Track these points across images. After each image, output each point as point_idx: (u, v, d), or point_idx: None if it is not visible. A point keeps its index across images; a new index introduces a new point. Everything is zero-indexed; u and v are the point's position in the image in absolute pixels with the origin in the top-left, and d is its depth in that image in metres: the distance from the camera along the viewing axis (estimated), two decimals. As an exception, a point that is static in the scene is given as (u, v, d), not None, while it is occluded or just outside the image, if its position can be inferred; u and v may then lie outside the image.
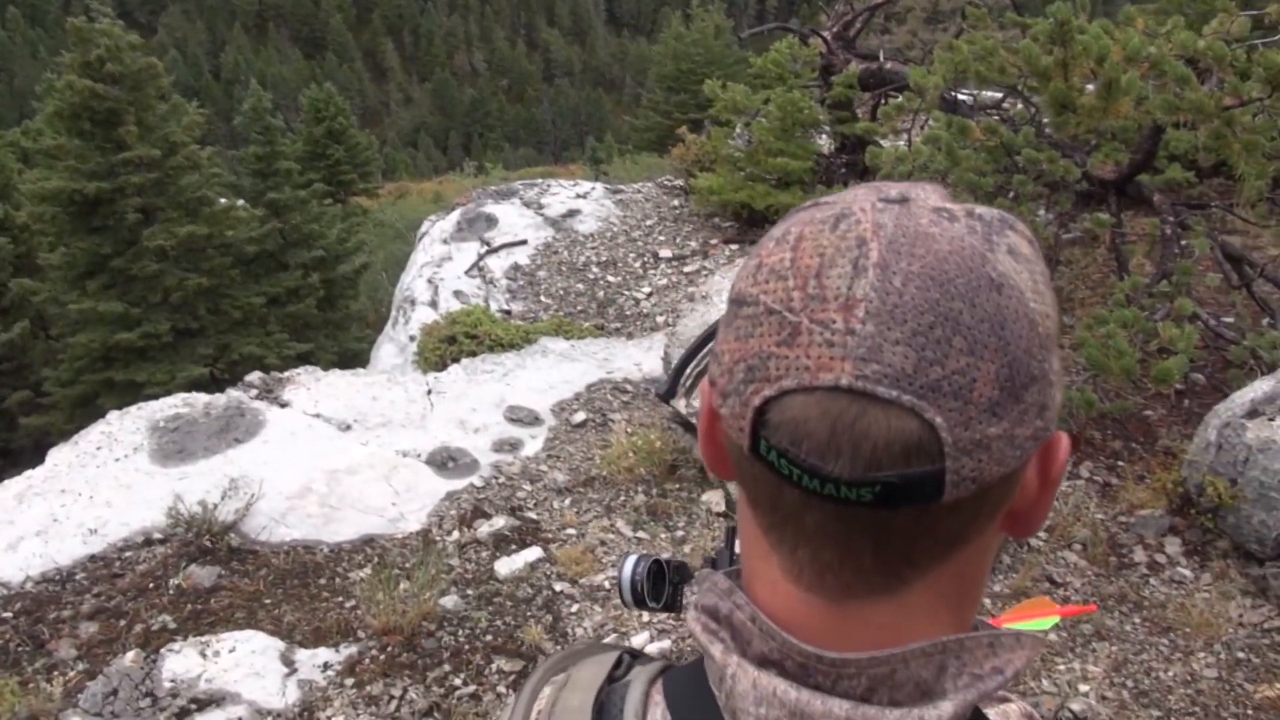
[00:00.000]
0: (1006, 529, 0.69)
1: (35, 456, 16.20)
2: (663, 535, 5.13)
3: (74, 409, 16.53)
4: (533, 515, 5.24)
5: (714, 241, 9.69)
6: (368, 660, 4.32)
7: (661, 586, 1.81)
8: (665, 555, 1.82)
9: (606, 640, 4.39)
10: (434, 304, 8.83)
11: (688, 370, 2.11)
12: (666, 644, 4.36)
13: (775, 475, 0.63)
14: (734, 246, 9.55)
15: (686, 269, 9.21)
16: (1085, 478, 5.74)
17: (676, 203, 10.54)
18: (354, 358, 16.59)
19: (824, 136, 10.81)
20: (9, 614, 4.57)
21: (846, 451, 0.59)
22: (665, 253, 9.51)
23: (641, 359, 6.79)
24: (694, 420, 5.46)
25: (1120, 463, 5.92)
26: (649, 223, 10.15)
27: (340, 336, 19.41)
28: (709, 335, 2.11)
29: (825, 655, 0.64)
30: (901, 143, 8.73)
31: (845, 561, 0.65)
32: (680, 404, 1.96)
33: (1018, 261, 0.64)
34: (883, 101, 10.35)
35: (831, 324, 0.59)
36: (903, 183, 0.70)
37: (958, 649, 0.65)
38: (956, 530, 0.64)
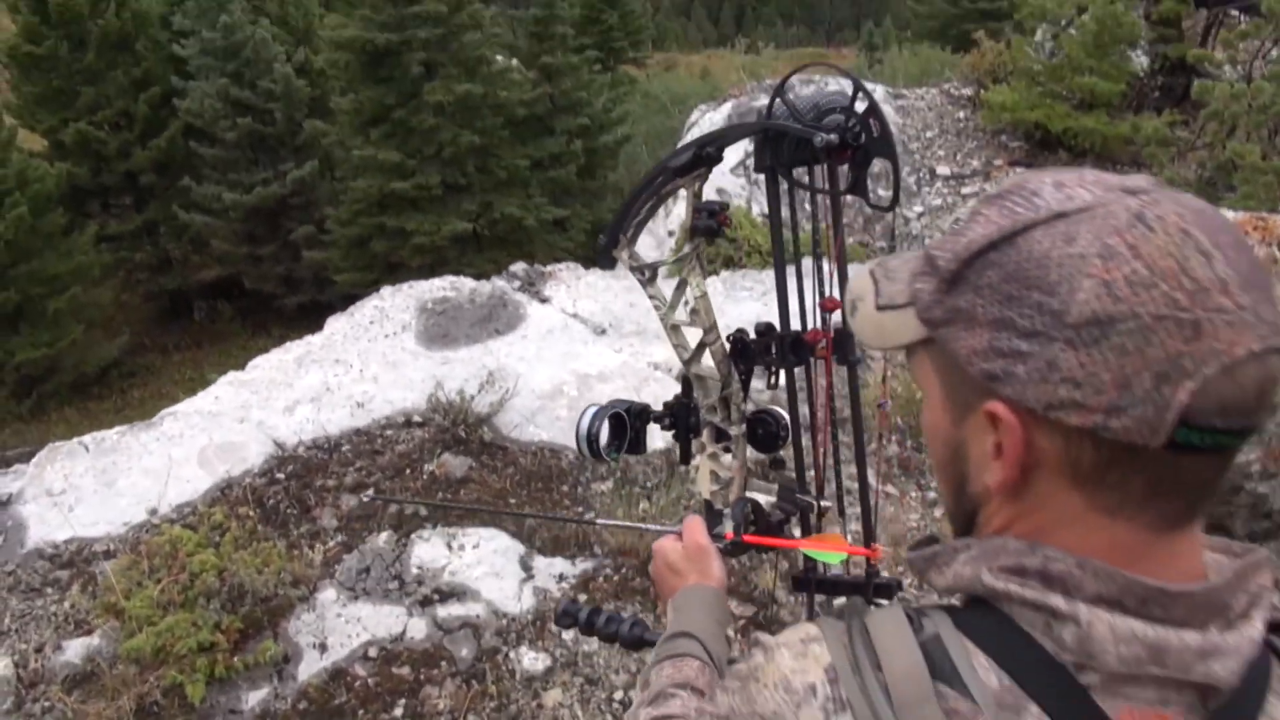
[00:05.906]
0: None
1: (313, 286, 17.26)
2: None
3: (350, 248, 17.69)
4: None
5: (998, 162, 8.99)
6: (601, 578, 4.37)
7: (623, 434, 1.73)
8: (626, 405, 1.73)
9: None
10: (696, 200, 8.64)
11: (627, 220, 1.93)
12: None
13: (1180, 455, 0.69)
14: (1020, 169, 8.83)
15: (964, 190, 8.61)
16: None
17: (962, 115, 9.81)
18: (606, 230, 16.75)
19: (1139, 53, 9.72)
20: (282, 475, 4.89)
21: (1267, 403, 0.69)
22: (943, 170, 8.91)
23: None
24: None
25: None
26: (929, 134, 9.51)
27: (596, 206, 19.65)
28: (645, 184, 1.89)
29: (1169, 589, 0.71)
30: (1238, 76, 7.72)
31: (1188, 505, 0.74)
32: (623, 255, 1.77)
33: None
34: (1219, 24, 9.19)
35: (1224, 308, 0.66)
36: (1047, 172, 0.76)
37: (1248, 571, 0.75)
38: None
